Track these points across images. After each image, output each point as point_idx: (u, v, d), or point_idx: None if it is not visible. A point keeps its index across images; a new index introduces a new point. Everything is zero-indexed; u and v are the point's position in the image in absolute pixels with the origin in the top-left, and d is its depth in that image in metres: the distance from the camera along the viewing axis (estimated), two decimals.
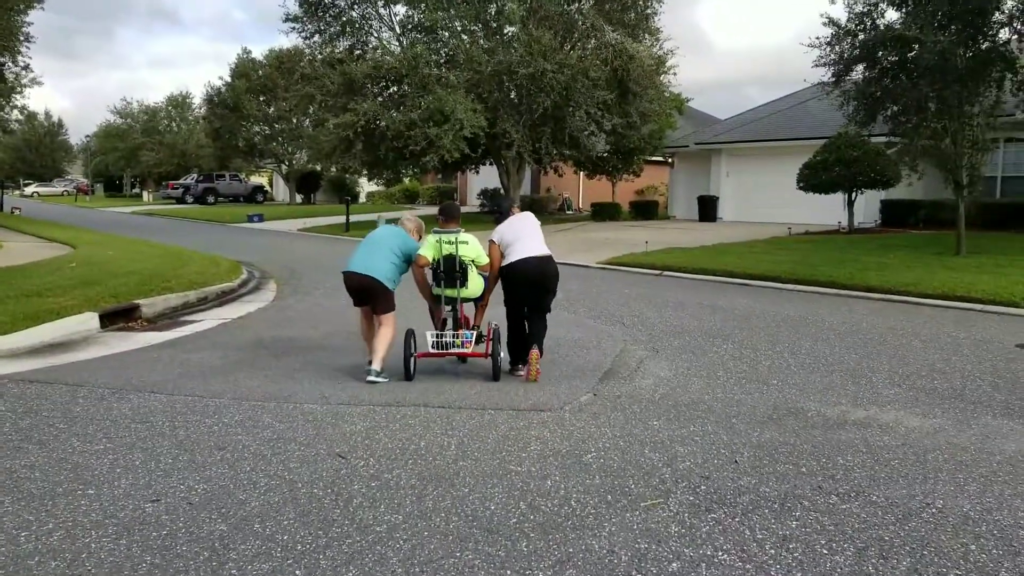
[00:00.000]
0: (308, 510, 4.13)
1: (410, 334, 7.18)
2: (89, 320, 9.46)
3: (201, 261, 15.26)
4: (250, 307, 11.69)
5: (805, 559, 3.62)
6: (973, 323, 10.25)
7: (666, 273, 16.09)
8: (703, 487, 4.49)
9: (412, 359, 7.15)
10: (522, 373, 7.27)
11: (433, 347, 7.28)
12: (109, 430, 5.54)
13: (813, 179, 21.95)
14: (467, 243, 7.33)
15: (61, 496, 4.29)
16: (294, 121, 46.65)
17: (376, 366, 7.02)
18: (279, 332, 9.55)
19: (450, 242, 7.25)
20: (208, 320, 10.52)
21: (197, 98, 62.63)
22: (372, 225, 27.49)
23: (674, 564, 3.56)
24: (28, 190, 75.93)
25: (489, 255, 7.44)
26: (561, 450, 5.13)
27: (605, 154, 28.95)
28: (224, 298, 12.51)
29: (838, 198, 22.87)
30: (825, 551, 3.70)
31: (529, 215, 7.79)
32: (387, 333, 7.21)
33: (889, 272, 14.46)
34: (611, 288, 13.65)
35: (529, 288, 7.35)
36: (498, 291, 7.66)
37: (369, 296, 7.32)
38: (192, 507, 4.16)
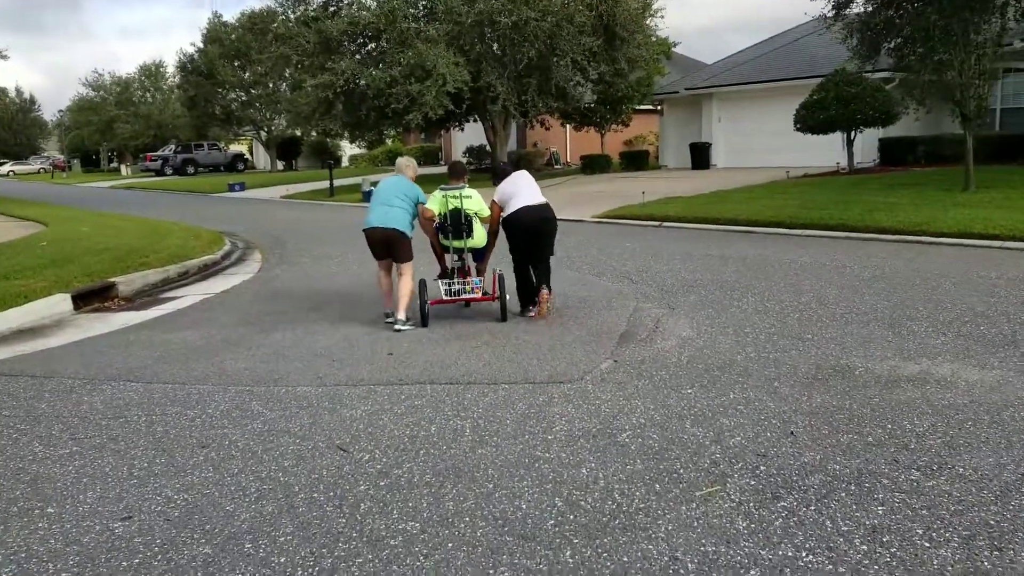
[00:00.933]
0: (308, 521, 3.52)
1: (423, 284, 7.70)
2: (60, 302, 8.77)
3: (181, 234, 14.52)
4: (234, 280, 11.01)
5: (906, 556, 3.03)
6: (1000, 261, 9.67)
7: (666, 224, 15.46)
8: (762, 468, 3.90)
9: (426, 306, 7.63)
10: (532, 313, 7.79)
11: (445, 294, 7.80)
12: (77, 429, 4.90)
13: (811, 119, 21.24)
14: (471, 197, 7.80)
15: (15, 517, 3.66)
16: (271, 85, 45.53)
17: (401, 315, 7.51)
18: (265, 305, 8.89)
19: (455, 196, 7.73)
20: (190, 296, 9.84)
21: (170, 67, 61.21)
22: (356, 189, 26.91)
23: (752, 572, 2.97)
24: (3, 169, 74.34)
25: (490, 211, 7.96)
26: (591, 429, 4.53)
27: (592, 104, 28.09)
28: (207, 271, 11.82)
29: (835, 139, 22.20)
30: (926, 543, 3.12)
31: (524, 172, 8.25)
32: (408, 283, 7.68)
33: (900, 212, 13.85)
34: (612, 242, 13.01)
35: (530, 234, 7.79)
36: (505, 246, 7.97)
37: (392, 247, 7.76)
38: (170, 524, 3.54)
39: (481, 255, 8.17)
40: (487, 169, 11.72)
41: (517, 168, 8.42)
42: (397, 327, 7.41)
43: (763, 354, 5.99)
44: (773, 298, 8.04)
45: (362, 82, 24.35)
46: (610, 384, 5.38)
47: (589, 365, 5.88)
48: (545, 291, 7.71)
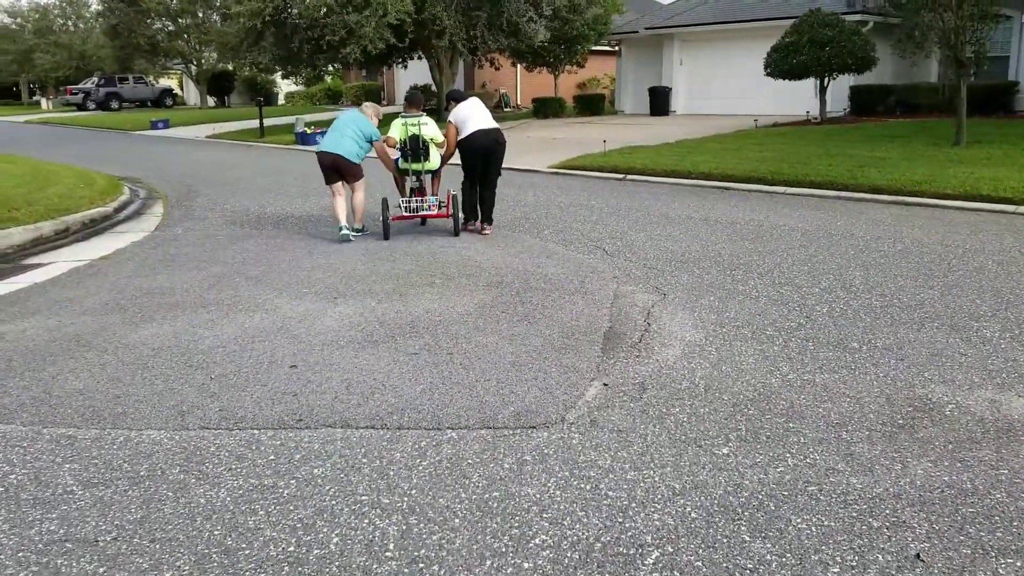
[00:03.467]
0: None
1: (385, 202, 8.79)
2: None
3: (71, 180, 12.41)
4: (122, 240, 9.07)
5: None
6: None
7: (630, 177, 13.81)
8: None
9: (388, 222, 8.66)
10: (474, 227, 8.91)
11: (405, 211, 8.81)
12: None
13: (783, 64, 19.65)
14: (427, 124, 8.79)
15: None
16: (200, 14, 42.31)
17: (357, 224, 8.82)
18: (148, 280, 7.03)
19: (415, 124, 8.69)
20: (60, 263, 7.92)
21: None
22: (290, 129, 24.68)
23: None
24: None
25: (446, 134, 8.86)
26: (589, 541, 2.85)
27: (546, 43, 26.03)
28: (92, 228, 9.85)
29: (804, 86, 20.70)
30: None
31: (476, 99, 9.10)
32: (361, 196, 8.84)
33: (892, 168, 12.39)
34: (573, 199, 11.30)
35: (484, 155, 8.69)
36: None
37: (340, 171, 8.64)
38: None
39: (434, 176, 9.21)
40: (431, 111, 10.45)
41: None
42: (351, 235, 8.57)
43: (805, 375, 4.38)
44: (785, 280, 6.44)
45: (294, 10, 21.99)
46: (605, 432, 3.71)
47: (570, 392, 4.21)
48: (489, 227, 8.82)
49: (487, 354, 4.83)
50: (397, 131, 8.72)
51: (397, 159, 9.04)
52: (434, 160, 8.87)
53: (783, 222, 9.09)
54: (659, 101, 26.02)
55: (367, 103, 9.25)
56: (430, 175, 9.13)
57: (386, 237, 8.58)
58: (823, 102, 20.32)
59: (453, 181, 9.50)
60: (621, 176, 13.96)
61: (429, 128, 8.73)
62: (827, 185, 11.71)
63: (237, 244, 8.59)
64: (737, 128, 19.93)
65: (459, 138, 8.63)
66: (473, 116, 8.66)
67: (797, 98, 21.67)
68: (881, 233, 8.32)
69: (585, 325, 5.39)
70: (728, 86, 24.58)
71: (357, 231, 8.72)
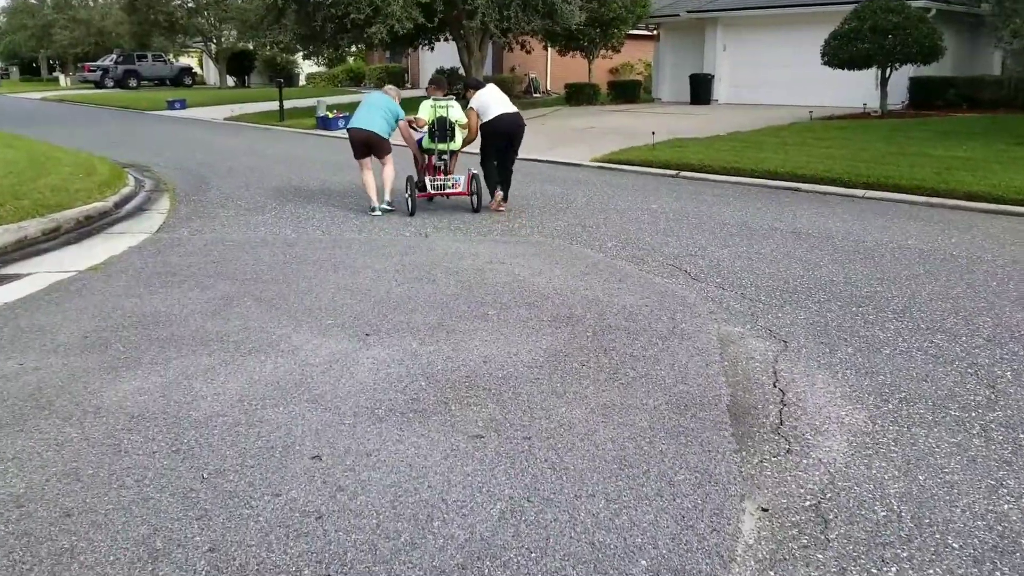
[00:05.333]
0: None
1: (409, 179, 9.17)
2: None
3: (69, 168, 11.19)
4: (118, 244, 7.84)
5: None
6: None
7: (683, 174, 12.48)
8: None
9: (412, 198, 9.07)
10: (502, 209, 9.28)
11: (431, 188, 9.20)
12: None
13: (843, 52, 18.18)
14: (454, 107, 9.22)
15: None
16: None
17: (387, 197, 9.24)
18: (141, 302, 5.79)
19: (442, 107, 9.11)
20: (41, 273, 6.69)
21: None
22: (311, 113, 23.39)
23: None
24: None
25: (468, 119, 9.20)
26: None
27: (582, 25, 24.55)
28: (87, 226, 8.64)
29: (860, 76, 19.25)
30: None
31: (494, 85, 9.53)
32: (390, 171, 9.28)
33: (985, 171, 11.05)
34: (629, 201, 9.99)
35: (508, 137, 9.15)
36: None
37: (372, 147, 9.11)
38: None
39: (452, 157, 9.53)
40: (457, 95, 9.70)
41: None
42: (383, 208, 9.14)
43: None
44: (933, 325, 5.13)
45: None
46: None
47: (717, 523, 2.90)
48: (504, 205, 9.38)
49: (578, 441, 3.54)
50: (426, 112, 9.15)
51: (420, 139, 9.48)
52: (458, 140, 9.36)
53: (886, 237, 7.76)
54: (700, 89, 24.54)
55: (389, 86, 10.03)
56: (450, 155, 9.52)
57: (412, 213, 9.06)
58: (884, 94, 18.85)
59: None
60: (674, 173, 12.66)
61: (455, 111, 9.23)
62: (915, 189, 10.38)
63: (249, 252, 7.35)
64: (791, 120, 18.51)
65: (482, 122, 9.09)
66: (494, 101, 9.16)
67: (853, 89, 20.20)
68: (1016, 256, 6.98)
69: (698, 392, 4.10)
70: (776, 75, 23.07)
71: (387, 205, 9.21)
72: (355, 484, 3.17)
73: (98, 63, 48.73)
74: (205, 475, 3.25)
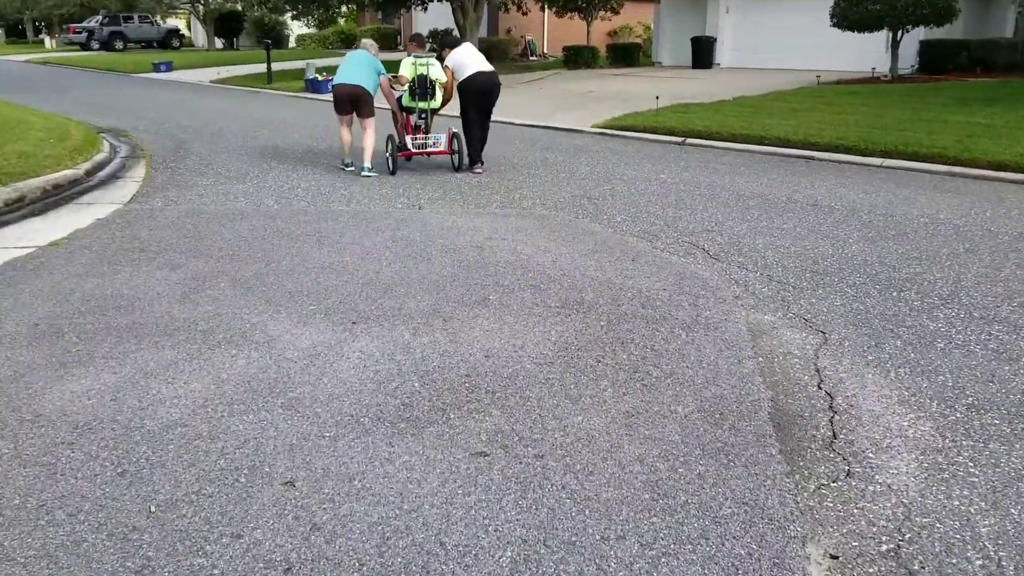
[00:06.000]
0: None
1: (390, 138, 9.21)
2: None
3: (41, 133, 10.52)
4: (85, 216, 7.24)
5: None
6: None
7: (690, 141, 11.87)
8: None
9: (393, 158, 9.08)
10: (480, 171, 9.16)
11: (412, 147, 9.17)
12: None
13: (852, 13, 17.47)
14: (434, 65, 9.10)
15: None
16: None
17: (367, 163, 9.00)
18: (103, 283, 5.21)
19: (423, 64, 9.02)
20: None
21: None
22: (300, 75, 22.58)
23: None
24: None
25: (445, 76, 9.11)
26: None
27: None
28: (55, 195, 8.02)
29: (869, 39, 18.59)
30: None
31: (469, 44, 9.74)
32: (372, 135, 9.09)
33: (1011, 140, 10.44)
34: (636, 170, 9.39)
35: (483, 95, 9.18)
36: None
37: (357, 103, 8.95)
38: None
39: (431, 115, 9.39)
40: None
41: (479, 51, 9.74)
42: (364, 174, 8.88)
43: None
44: (987, 313, 4.58)
45: None
46: None
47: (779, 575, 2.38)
48: (479, 167, 9.23)
49: (600, 461, 3.00)
50: (407, 70, 9.01)
51: (400, 96, 9.31)
52: (438, 99, 9.23)
53: (915, 210, 7.19)
54: (702, 53, 23.79)
55: (367, 39, 9.80)
56: (429, 114, 9.38)
57: (393, 172, 9.01)
58: (895, 57, 18.16)
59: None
60: (680, 140, 12.03)
61: (435, 69, 9.08)
62: (936, 158, 9.80)
63: (227, 226, 6.75)
64: (798, 85, 17.84)
65: (458, 81, 9.10)
66: (469, 60, 9.16)
67: (861, 53, 19.54)
68: None
69: (733, 395, 3.55)
70: (781, 38, 22.32)
71: (369, 172, 8.97)
72: (334, 521, 2.62)
73: (83, 24, 47.47)
74: (153, 507, 2.69)
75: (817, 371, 3.81)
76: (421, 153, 9.30)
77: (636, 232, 6.49)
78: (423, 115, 9.29)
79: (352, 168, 9.18)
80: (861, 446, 3.11)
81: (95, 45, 45.42)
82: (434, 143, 9.24)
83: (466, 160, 9.27)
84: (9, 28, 67.90)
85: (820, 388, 3.63)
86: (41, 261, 5.77)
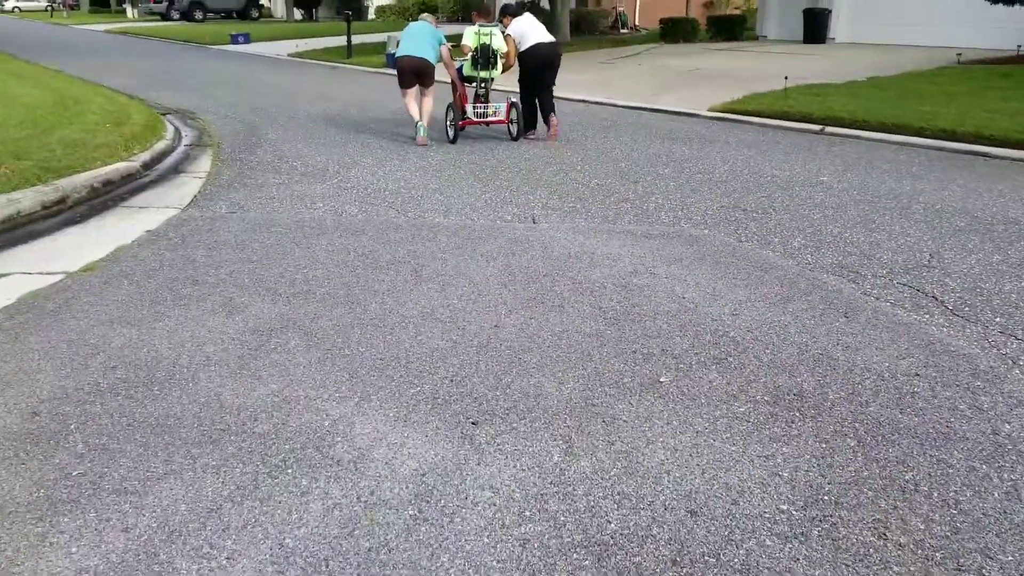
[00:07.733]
0: None
1: (450, 106, 9.39)
2: None
3: (97, 115, 9.38)
4: (133, 226, 5.98)
5: None
6: None
7: (829, 129, 10.18)
8: None
9: (454, 126, 9.25)
10: (533, 136, 9.48)
11: (473, 115, 9.28)
12: None
13: None
14: (496, 35, 9.11)
15: None
16: None
17: (424, 121, 9.15)
18: (137, 335, 3.90)
19: (487, 34, 9.00)
20: (14, 274, 4.89)
21: None
22: (381, 50, 21.29)
23: None
24: (8, 4, 68.01)
25: (507, 46, 9.18)
26: None
27: None
28: (104, 194, 6.86)
29: (1011, 12, 16.36)
30: None
31: (530, 14, 9.46)
32: (430, 102, 9.30)
33: None
34: (784, 169, 7.78)
35: (544, 67, 9.18)
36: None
37: (422, 74, 9.07)
38: None
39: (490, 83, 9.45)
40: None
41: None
42: (420, 134, 9.07)
43: None
44: None
45: None
46: None
47: None
48: (554, 117, 9.35)
49: None
50: (470, 39, 8.98)
51: (460, 66, 9.36)
52: (499, 69, 9.23)
53: None
54: (816, 26, 21.68)
55: (426, 13, 9.91)
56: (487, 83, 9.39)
57: (453, 141, 9.20)
58: None
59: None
60: (818, 128, 10.36)
61: (497, 39, 9.09)
62: None
63: (302, 244, 5.42)
64: (934, 64, 15.80)
65: (520, 50, 9.14)
66: (530, 31, 9.18)
67: (1000, 27, 17.33)
68: None
69: None
70: (907, 9, 20.14)
71: (424, 129, 9.10)
72: None
73: None
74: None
75: None
76: (481, 122, 9.37)
77: (827, 266, 4.94)
78: (483, 84, 9.29)
79: (423, 130, 9.14)
80: None
81: (175, 15, 45.13)
82: (495, 112, 9.29)
83: (529, 133, 9.44)
84: None
85: None
86: (67, 297, 4.50)
